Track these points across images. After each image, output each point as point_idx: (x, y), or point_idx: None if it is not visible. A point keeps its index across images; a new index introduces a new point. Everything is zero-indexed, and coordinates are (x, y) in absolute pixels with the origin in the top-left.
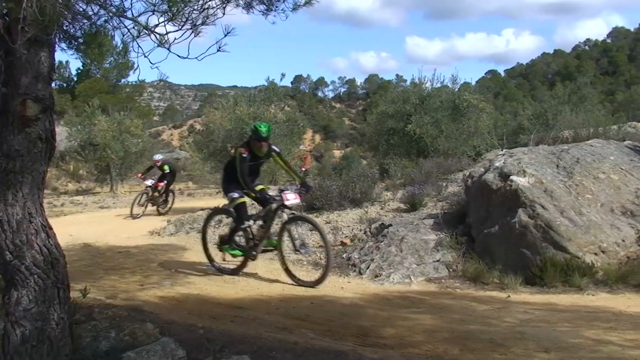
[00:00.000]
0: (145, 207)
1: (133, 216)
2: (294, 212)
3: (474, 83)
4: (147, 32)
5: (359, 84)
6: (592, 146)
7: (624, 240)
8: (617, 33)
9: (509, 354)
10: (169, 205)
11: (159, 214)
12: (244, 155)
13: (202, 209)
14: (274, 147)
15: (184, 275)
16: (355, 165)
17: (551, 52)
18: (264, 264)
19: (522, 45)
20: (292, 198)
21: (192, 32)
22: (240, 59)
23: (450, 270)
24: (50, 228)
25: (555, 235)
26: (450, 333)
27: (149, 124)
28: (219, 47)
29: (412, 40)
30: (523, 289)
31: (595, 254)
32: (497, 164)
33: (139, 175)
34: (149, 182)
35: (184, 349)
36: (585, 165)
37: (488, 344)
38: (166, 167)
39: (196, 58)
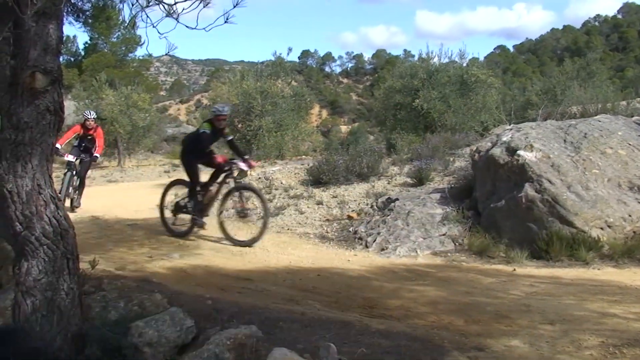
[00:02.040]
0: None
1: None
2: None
3: (482, 58)
4: (156, 1)
5: (366, 59)
6: (599, 121)
7: (630, 215)
8: (627, 8)
9: (514, 325)
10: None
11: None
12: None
13: None
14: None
15: (191, 247)
16: (363, 140)
17: (560, 27)
18: (271, 237)
19: (533, 20)
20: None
21: (201, 2)
22: (247, 33)
23: (457, 244)
24: (60, 200)
25: (561, 210)
26: (455, 305)
27: (156, 98)
28: (227, 19)
29: (422, 14)
30: (529, 263)
31: (602, 228)
32: (504, 139)
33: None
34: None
35: (192, 318)
36: (592, 140)
37: (493, 315)
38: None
39: (204, 29)
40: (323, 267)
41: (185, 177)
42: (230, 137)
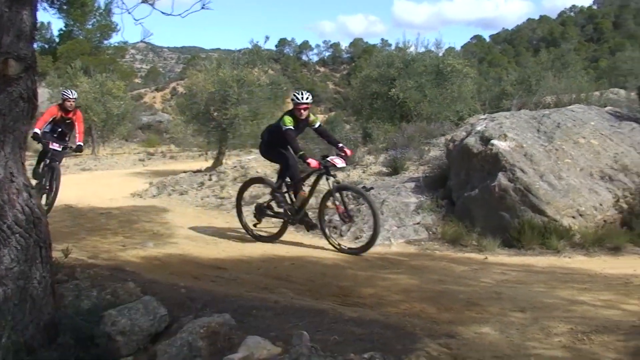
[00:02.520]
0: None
1: None
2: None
3: (458, 48)
4: None
5: (343, 48)
6: (573, 111)
7: (601, 204)
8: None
9: (485, 313)
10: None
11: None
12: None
13: (185, 172)
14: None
15: (165, 236)
16: (339, 129)
17: (537, 17)
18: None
19: (511, 10)
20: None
21: None
22: (224, 21)
23: (430, 232)
24: (32, 188)
25: (534, 199)
26: (428, 293)
27: (131, 86)
28: (203, 5)
29: (400, 4)
30: (501, 251)
31: (573, 217)
32: (478, 128)
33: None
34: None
35: (166, 307)
36: (565, 130)
37: (465, 303)
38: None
39: (179, 15)
40: (297, 255)
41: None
42: (318, 124)
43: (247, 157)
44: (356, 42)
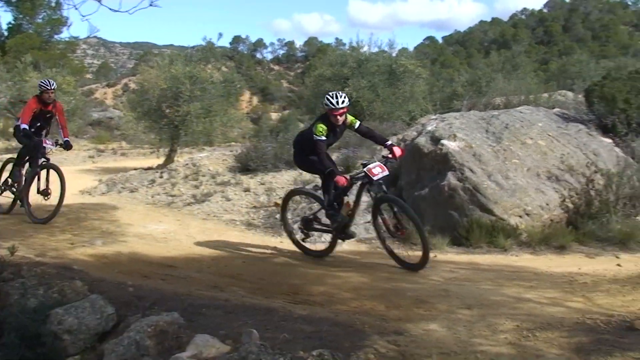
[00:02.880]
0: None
1: None
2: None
3: (411, 49)
4: None
5: (298, 46)
6: (521, 112)
7: (548, 204)
8: (553, 3)
9: (433, 310)
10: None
11: None
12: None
13: (135, 169)
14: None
15: (115, 234)
16: (293, 128)
17: (489, 20)
18: (196, 224)
19: (464, 12)
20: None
21: None
22: (178, 17)
23: (381, 231)
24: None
25: (482, 198)
26: (377, 290)
27: (82, 81)
28: (151, 2)
29: (355, 4)
30: (450, 249)
31: (520, 216)
32: (429, 128)
33: None
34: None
35: (113, 306)
36: (513, 130)
37: (414, 300)
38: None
39: (127, 12)
40: (249, 254)
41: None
42: (358, 124)
43: (199, 154)
44: (311, 41)
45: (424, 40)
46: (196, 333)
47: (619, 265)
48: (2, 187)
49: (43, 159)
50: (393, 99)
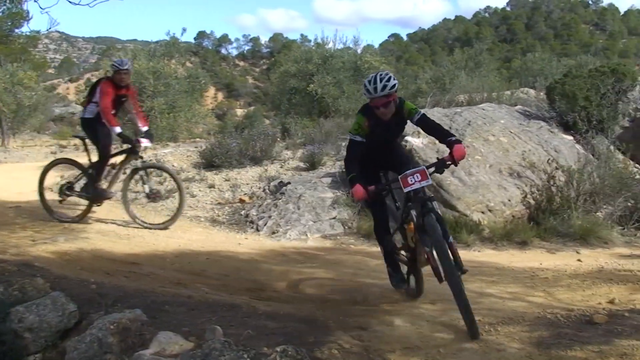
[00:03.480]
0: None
1: None
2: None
3: (376, 46)
4: None
5: (263, 42)
6: (484, 110)
7: (510, 200)
8: (515, 1)
9: (396, 305)
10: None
11: None
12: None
13: None
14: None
15: (78, 230)
16: (258, 124)
17: (452, 17)
18: (161, 220)
19: (429, 10)
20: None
21: None
22: (142, 11)
23: (346, 227)
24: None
25: (445, 194)
26: (342, 286)
27: (43, 76)
28: None
29: (321, 0)
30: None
31: (483, 212)
32: None
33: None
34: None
35: (75, 303)
36: (476, 127)
37: (378, 296)
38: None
39: (88, 5)
40: (213, 250)
41: None
42: (419, 115)
43: (163, 150)
44: (276, 37)
45: (388, 37)
46: (159, 330)
47: (579, 260)
48: (66, 192)
49: (141, 158)
50: (358, 96)
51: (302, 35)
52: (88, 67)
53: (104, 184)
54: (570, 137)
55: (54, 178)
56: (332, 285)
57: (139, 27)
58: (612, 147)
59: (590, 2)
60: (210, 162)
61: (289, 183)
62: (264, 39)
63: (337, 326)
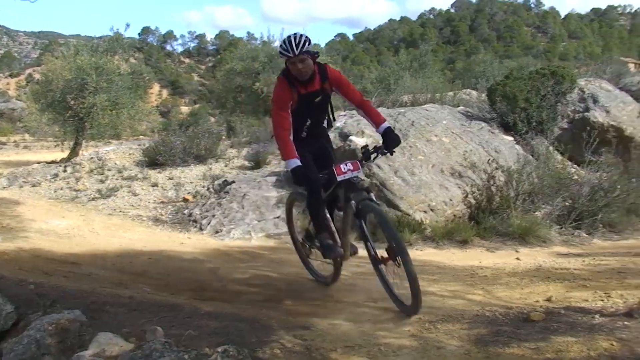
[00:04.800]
0: None
1: None
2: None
3: (323, 45)
4: None
5: (209, 39)
6: (427, 110)
7: (451, 200)
8: (460, 3)
9: (339, 304)
10: None
11: None
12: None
13: (38, 162)
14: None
15: (16, 229)
16: (203, 122)
17: (398, 18)
18: (101, 219)
19: (376, 10)
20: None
21: None
22: (85, 6)
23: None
24: None
25: (388, 194)
26: (286, 285)
27: None
28: None
29: None
30: (357, 244)
31: (425, 211)
32: (337, 125)
33: None
34: None
35: (13, 304)
36: (419, 128)
37: (321, 295)
38: None
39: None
40: (155, 250)
41: None
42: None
43: (105, 148)
44: (222, 34)
45: (335, 36)
46: (99, 331)
47: (518, 259)
48: (308, 246)
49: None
50: None
51: (248, 33)
52: (30, 62)
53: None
54: (511, 138)
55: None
56: (275, 285)
57: (83, 22)
58: (551, 148)
59: (532, 5)
60: (153, 161)
61: (233, 182)
62: (210, 36)
63: (279, 326)
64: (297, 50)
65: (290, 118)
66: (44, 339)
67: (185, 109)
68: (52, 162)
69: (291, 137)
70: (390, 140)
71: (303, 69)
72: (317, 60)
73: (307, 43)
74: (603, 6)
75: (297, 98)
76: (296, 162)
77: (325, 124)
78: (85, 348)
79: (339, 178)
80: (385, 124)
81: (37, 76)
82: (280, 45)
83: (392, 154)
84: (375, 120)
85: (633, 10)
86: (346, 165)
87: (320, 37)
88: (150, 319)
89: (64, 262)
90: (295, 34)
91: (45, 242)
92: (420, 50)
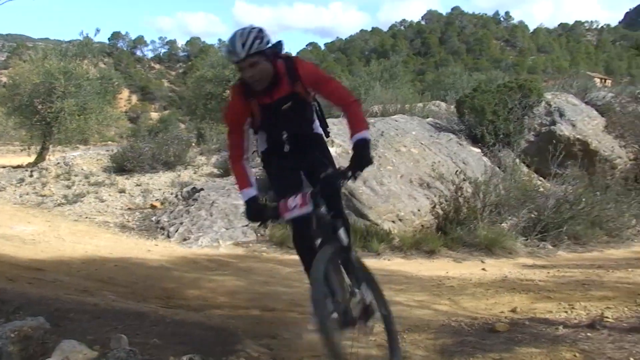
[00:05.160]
0: None
1: None
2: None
3: (294, 54)
4: None
5: (180, 46)
6: (396, 121)
7: (419, 210)
8: (430, 16)
9: (306, 313)
10: None
11: None
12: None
13: (4, 167)
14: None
15: None
16: (173, 129)
17: (369, 29)
18: (67, 225)
19: (347, 20)
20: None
21: None
22: (55, 10)
23: (259, 234)
24: None
25: (357, 203)
26: (253, 294)
27: None
28: None
29: (241, 5)
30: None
31: (393, 221)
32: None
33: None
34: None
35: None
36: (388, 138)
37: (288, 304)
38: None
39: None
40: (121, 257)
41: None
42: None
43: (72, 153)
44: (193, 41)
45: (307, 45)
46: (63, 338)
47: (484, 269)
48: None
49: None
50: None
51: (220, 40)
52: None
53: None
54: (478, 150)
55: None
56: (243, 293)
57: (52, 26)
58: (517, 160)
59: (501, 19)
60: (121, 166)
61: (202, 189)
62: (182, 42)
63: (246, 335)
64: (243, 51)
65: (245, 140)
66: (5, 347)
67: (155, 115)
68: (19, 166)
69: (246, 162)
70: (357, 160)
71: (256, 76)
72: (283, 54)
73: (257, 40)
74: (571, 21)
75: (259, 110)
76: (250, 192)
77: (319, 131)
78: (48, 356)
79: (286, 216)
80: (360, 135)
81: (4, 79)
82: (226, 46)
83: (355, 179)
84: (352, 126)
85: (599, 27)
86: (294, 199)
87: (292, 46)
88: (115, 327)
89: (29, 268)
90: (243, 29)
91: (10, 247)
92: (391, 61)
